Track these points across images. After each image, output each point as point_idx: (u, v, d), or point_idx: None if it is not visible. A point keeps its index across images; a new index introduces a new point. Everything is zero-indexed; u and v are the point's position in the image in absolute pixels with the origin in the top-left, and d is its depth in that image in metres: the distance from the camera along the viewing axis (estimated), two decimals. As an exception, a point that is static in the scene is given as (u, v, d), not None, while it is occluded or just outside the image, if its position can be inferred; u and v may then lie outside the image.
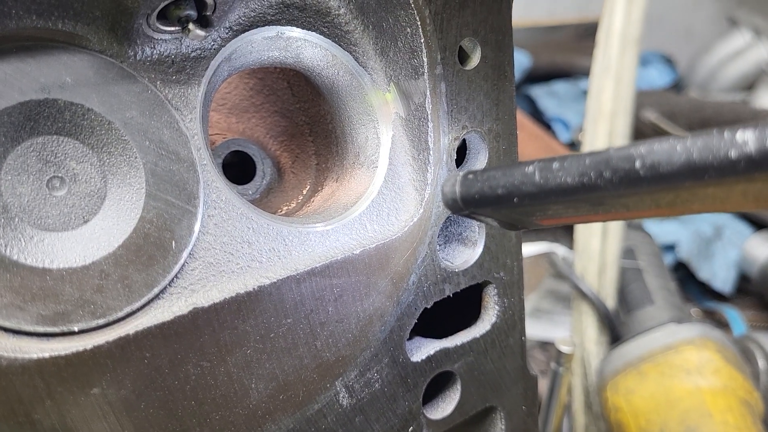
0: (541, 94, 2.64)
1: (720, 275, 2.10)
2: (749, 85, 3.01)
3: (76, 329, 0.42)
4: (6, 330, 0.40)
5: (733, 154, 0.33)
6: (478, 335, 0.63)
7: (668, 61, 3.11)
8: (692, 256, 2.08)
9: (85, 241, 0.43)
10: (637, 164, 0.36)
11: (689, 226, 2.16)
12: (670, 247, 2.10)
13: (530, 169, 0.40)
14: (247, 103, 0.66)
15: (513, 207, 0.42)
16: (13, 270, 0.41)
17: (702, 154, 0.34)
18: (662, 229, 2.12)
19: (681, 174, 0.34)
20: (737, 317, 1.97)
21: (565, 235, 1.99)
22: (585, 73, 2.65)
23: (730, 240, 2.16)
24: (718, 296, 2.15)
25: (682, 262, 2.09)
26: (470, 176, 0.43)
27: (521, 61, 2.58)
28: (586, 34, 2.92)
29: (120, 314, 0.43)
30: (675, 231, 2.13)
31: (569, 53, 2.81)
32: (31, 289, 0.41)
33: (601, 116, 1.43)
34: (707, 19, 3.32)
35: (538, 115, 2.62)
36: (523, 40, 2.71)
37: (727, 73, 3.02)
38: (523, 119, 2.37)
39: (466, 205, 0.43)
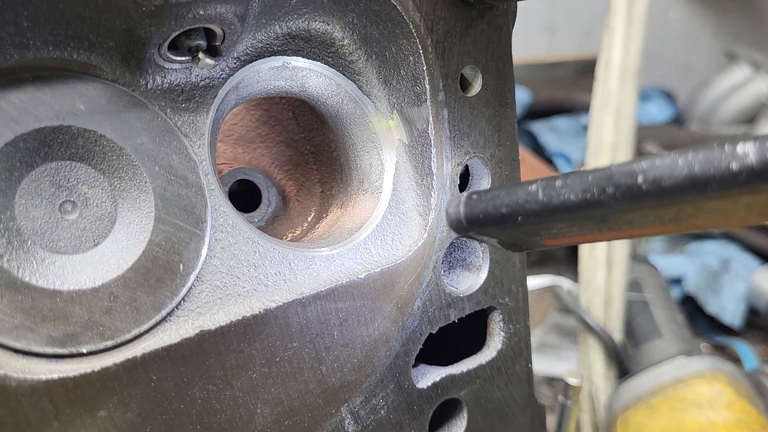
0: (542, 129, 2.67)
1: (729, 309, 2.08)
2: (750, 118, 3.03)
3: (84, 351, 0.42)
4: (16, 351, 0.40)
5: (734, 166, 0.33)
6: (484, 362, 0.63)
7: (668, 96, 3.14)
8: (699, 289, 2.07)
9: (95, 263, 0.44)
10: (640, 179, 0.36)
11: (695, 259, 2.16)
12: (676, 281, 2.10)
13: (533, 187, 0.41)
14: (253, 133, 0.67)
15: (517, 226, 0.42)
16: (24, 291, 0.41)
17: (703, 167, 0.34)
18: (668, 263, 2.12)
19: (683, 187, 0.35)
20: (748, 351, 1.96)
21: (570, 268, 1.98)
22: (585, 108, 2.67)
23: (738, 273, 2.15)
24: (728, 330, 2.13)
25: (690, 295, 2.08)
26: (474, 196, 0.44)
27: (522, 97, 2.61)
28: (584, 70, 2.95)
29: (128, 336, 0.44)
30: (681, 264, 2.13)
31: (569, 89, 2.84)
32: (41, 310, 0.41)
33: (603, 149, 1.44)
34: (706, 54, 3.36)
35: (539, 151, 2.64)
36: (524, 77, 2.74)
37: (727, 107, 3.05)
38: (525, 154, 2.39)
39: (471, 225, 0.44)
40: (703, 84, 3.18)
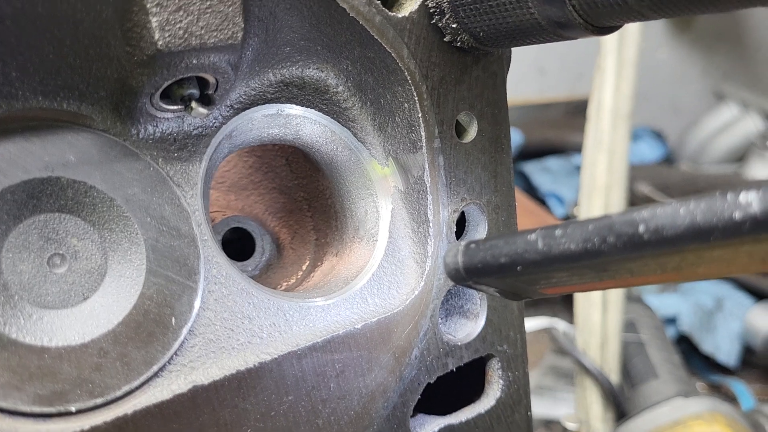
0: (534, 170, 2.68)
1: (724, 348, 2.07)
2: (739, 157, 3.06)
3: (73, 409, 0.41)
4: (2, 410, 0.39)
5: (737, 215, 0.33)
6: (483, 411, 0.62)
7: (658, 136, 3.17)
8: (694, 329, 2.06)
9: (84, 318, 0.43)
10: (641, 228, 0.36)
11: (689, 298, 2.15)
12: (671, 320, 2.09)
13: (533, 237, 0.40)
14: (246, 180, 0.67)
15: (516, 276, 0.42)
16: (11, 349, 0.40)
17: (706, 216, 0.34)
18: (662, 302, 2.11)
19: (685, 237, 0.34)
20: (745, 391, 1.94)
21: (565, 309, 1.97)
22: (576, 149, 2.69)
23: (732, 312, 2.15)
24: (723, 369, 2.11)
25: (684, 335, 2.07)
26: (472, 246, 0.43)
27: (514, 138, 2.63)
28: (576, 111, 2.98)
29: (118, 393, 0.42)
30: (675, 304, 2.12)
31: (560, 130, 2.86)
32: (28, 368, 0.40)
33: (596, 190, 1.44)
34: (694, 94, 3.40)
35: (532, 191, 2.65)
36: (516, 118, 2.76)
37: (716, 146, 3.07)
38: (518, 195, 2.39)
39: (469, 275, 0.43)
40: (692, 123, 3.21)
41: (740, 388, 1.99)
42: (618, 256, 0.37)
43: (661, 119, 3.26)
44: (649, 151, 3.01)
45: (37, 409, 0.40)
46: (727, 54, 3.45)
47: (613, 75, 1.44)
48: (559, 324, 1.60)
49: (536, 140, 2.74)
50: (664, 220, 0.35)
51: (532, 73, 2.96)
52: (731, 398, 1.95)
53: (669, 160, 3.13)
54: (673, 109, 3.37)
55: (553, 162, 2.74)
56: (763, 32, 3.43)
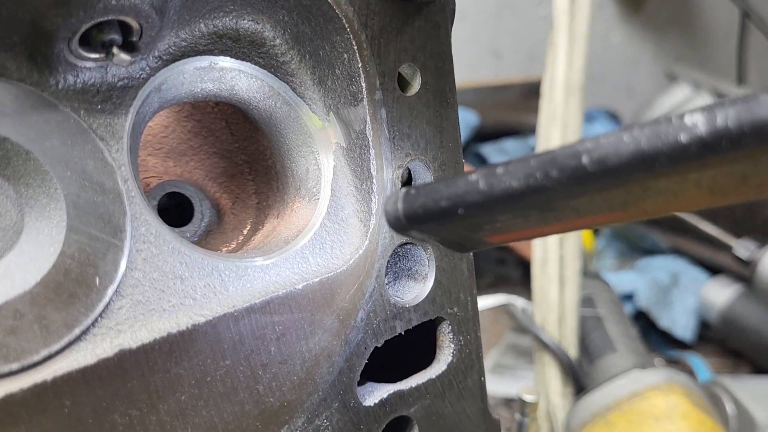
0: (491, 151, 2.67)
1: (680, 323, 2.09)
2: (692, 137, 3.09)
3: (-16, 375, 0.38)
4: None
5: (683, 138, 0.31)
6: (434, 376, 0.60)
7: (613, 117, 3.19)
8: (651, 304, 2.08)
9: None
10: (584, 159, 0.34)
11: (646, 275, 2.17)
12: (628, 297, 2.10)
13: (474, 177, 0.38)
14: (185, 146, 0.64)
15: (459, 220, 0.40)
16: None
17: (651, 141, 0.32)
18: (620, 279, 2.12)
19: (630, 165, 0.33)
20: (701, 364, 1.96)
21: (524, 288, 1.97)
22: (532, 130, 2.68)
23: (687, 287, 2.17)
24: (680, 344, 2.14)
25: (642, 311, 2.09)
26: (413, 191, 0.41)
27: (470, 119, 2.62)
28: (530, 92, 2.98)
29: (36, 358, 0.39)
30: (632, 280, 2.14)
31: (516, 112, 2.86)
32: (-68, 331, 0.37)
33: (551, 165, 1.43)
34: (647, 75, 3.43)
35: (490, 173, 2.64)
36: (471, 100, 2.75)
37: (670, 127, 3.10)
38: (475, 177, 2.38)
39: (410, 222, 0.41)
40: (646, 104, 3.24)
41: (697, 361, 2.01)
42: (562, 191, 0.35)
43: (615, 100, 3.28)
44: (604, 132, 3.04)
45: (-57, 375, 0.37)
46: (679, 36, 3.49)
47: (564, 50, 1.43)
48: (518, 301, 1.59)
49: (492, 122, 2.73)
50: (608, 149, 0.33)
51: (487, 56, 2.96)
52: (689, 372, 1.97)
53: (624, 141, 3.16)
54: (627, 90, 3.39)
55: (509, 143, 2.74)
56: (713, 14, 3.48)
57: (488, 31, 2.91)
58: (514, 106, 2.90)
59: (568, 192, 0.35)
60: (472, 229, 0.41)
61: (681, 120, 0.31)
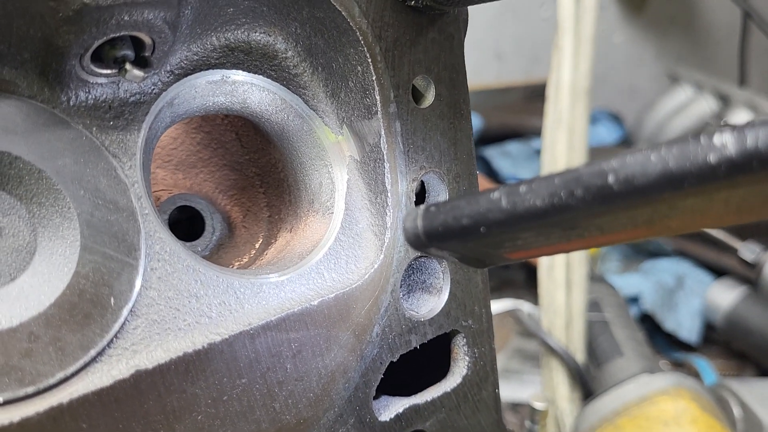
0: (494, 154, 2.66)
1: (685, 325, 2.09)
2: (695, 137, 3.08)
3: (0, 400, 0.37)
4: None
5: (712, 158, 0.30)
6: (449, 389, 0.59)
7: (616, 119, 3.19)
8: (656, 307, 2.07)
9: (11, 300, 0.39)
10: (610, 179, 0.33)
11: (651, 278, 2.16)
12: (633, 300, 2.09)
13: (496, 195, 0.37)
14: (195, 158, 0.63)
15: (480, 238, 0.39)
16: (-74, 335, 0.36)
17: (679, 162, 0.31)
18: (625, 282, 2.11)
19: (657, 185, 0.32)
20: (707, 366, 1.95)
21: (529, 292, 1.96)
22: (536, 132, 2.68)
23: (692, 289, 2.16)
24: (686, 347, 2.13)
25: (647, 314, 2.08)
26: (432, 209, 0.40)
27: (474, 122, 2.61)
28: (533, 95, 2.97)
29: (52, 381, 0.39)
30: (637, 283, 2.13)
31: (519, 114, 2.85)
32: (-52, 355, 0.36)
33: (557, 169, 1.43)
34: (649, 76, 3.42)
35: (493, 175, 2.64)
36: (474, 103, 2.74)
37: (672, 128, 3.10)
38: (480, 179, 2.38)
39: (430, 239, 0.40)
40: (648, 105, 3.23)
41: (702, 364, 2.00)
42: (587, 210, 0.35)
43: (617, 102, 3.28)
44: (607, 134, 3.03)
45: (-41, 401, 0.36)
46: (681, 37, 3.49)
47: (570, 53, 1.43)
48: (524, 306, 1.59)
49: (495, 125, 2.72)
50: (635, 169, 0.33)
51: (490, 59, 2.95)
52: (694, 374, 1.97)
53: (627, 142, 3.15)
54: (630, 91, 3.39)
55: (512, 146, 2.74)
56: (714, 15, 3.47)
57: (491, 34, 2.91)
58: (517, 109, 2.90)
59: (592, 211, 0.35)
60: (492, 246, 0.41)
61: (710, 140, 0.31)
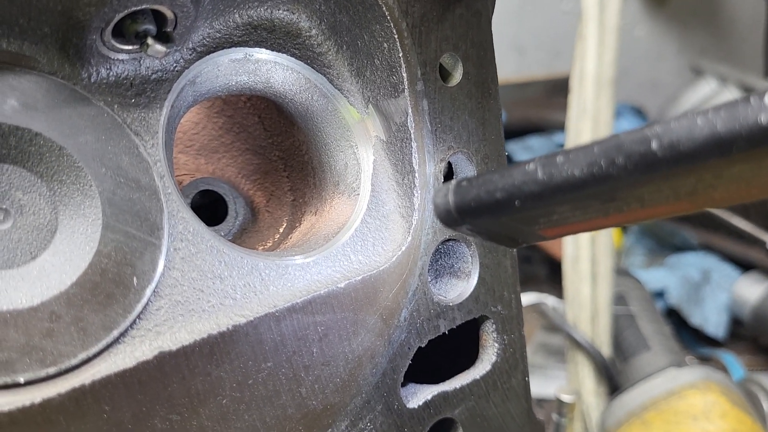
0: (516, 149, 2.64)
1: (712, 320, 2.05)
2: (720, 131, 3.03)
3: (21, 380, 0.36)
4: (-63, 382, 0.34)
5: (763, 119, 0.29)
6: (478, 376, 0.58)
7: (638, 112, 3.15)
8: (682, 302, 2.04)
9: (32, 279, 0.38)
10: (654, 145, 0.32)
11: (676, 272, 2.13)
12: (659, 294, 2.06)
13: (531, 166, 0.36)
14: (217, 143, 0.62)
15: (514, 213, 0.37)
16: (-54, 313, 0.35)
17: (727, 124, 0.30)
18: (650, 276, 2.08)
19: (705, 150, 0.30)
20: (734, 361, 1.92)
21: (552, 286, 1.94)
22: (557, 126, 2.65)
23: (719, 283, 2.13)
24: (712, 342, 2.10)
25: (673, 308, 2.05)
26: (464, 183, 0.39)
27: (494, 117, 2.59)
28: (554, 89, 2.94)
29: (74, 361, 0.38)
30: (663, 277, 2.10)
31: (540, 108, 2.83)
32: (-32, 334, 0.35)
33: (582, 160, 1.40)
34: (672, 69, 3.38)
35: (515, 171, 2.61)
36: (495, 98, 2.72)
37: (697, 121, 3.05)
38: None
39: (462, 215, 0.39)
40: (671, 99, 3.19)
41: (730, 359, 1.97)
42: (628, 179, 0.33)
43: (640, 95, 3.24)
44: (630, 127, 2.99)
45: (-21, 381, 0.35)
46: (704, 29, 3.44)
47: (594, 43, 1.40)
48: (549, 299, 1.57)
49: (516, 119, 2.70)
50: (680, 133, 0.31)
51: (510, 53, 2.92)
52: (722, 370, 1.93)
53: (650, 136, 3.11)
54: (652, 85, 3.35)
55: (534, 140, 2.71)
56: (738, 6, 3.42)
57: (511, 28, 2.88)
58: (538, 103, 2.87)
59: (634, 180, 0.33)
60: (527, 222, 0.39)
61: (761, 100, 0.29)
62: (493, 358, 0.58)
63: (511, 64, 2.95)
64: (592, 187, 0.34)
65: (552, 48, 3.02)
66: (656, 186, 0.34)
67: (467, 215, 0.39)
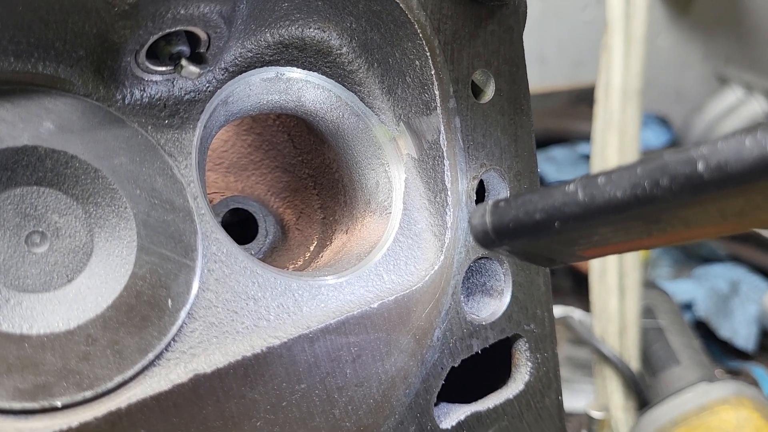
0: (539, 160, 2.63)
1: (741, 333, 2.02)
2: (746, 140, 3.00)
3: (59, 404, 0.36)
4: (-24, 407, 0.34)
5: None
6: (511, 396, 0.57)
7: (663, 122, 3.12)
8: (710, 314, 2.01)
9: (69, 302, 0.38)
10: (700, 166, 0.31)
11: (704, 284, 2.10)
12: (686, 306, 2.03)
13: (572, 187, 0.35)
14: (246, 160, 0.62)
15: (554, 235, 0.37)
16: (-15, 338, 0.35)
17: (779, 145, 0.29)
18: (677, 288, 2.06)
19: (754, 172, 0.30)
20: (765, 375, 1.89)
21: (577, 299, 1.92)
22: (580, 137, 2.64)
23: (748, 295, 2.09)
24: (742, 355, 2.06)
25: (701, 321, 2.02)
26: (502, 204, 0.38)
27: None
28: (577, 99, 2.93)
29: (110, 385, 0.38)
30: (690, 289, 2.07)
31: (563, 119, 2.81)
32: (6, 359, 0.35)
33: (608, 172, 1.39)
34: (697, 78, 3.35)
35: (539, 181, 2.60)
36: (518, 109, 2.71)
37: (722, 130, 3.02)
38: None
39: (499, 236, 0.38)
40: (696, 108, 3.16)
41: (761, 372, 1.94)
42: (673, 201, 0.32)
43: (664, 105, 3.21)
44: (654, 138, 2.96)
45: (17, 405, 0.35)
46: (728, 37, 3.40)
47: (620, 53, 1.39)
48: (575, 312, 1.55)
49: (539, 130, 2.69)
50: (728, 154, 0.30)
51: (533, 63, 2.91)
52: (752, 383, 1.90)
53: (675, 145, 3.08)
54: (677, 94, 3.32)
55: (557, 151, 2.69)
56: (763, 14, 3.38)
57: (532, 37, 2.87)
58: (561, 113, 2.86)
59: (679, 202, 0.32)
60: (566, 243, 0.38)
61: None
62: (527, 378, 0.58)
63: (534, 74, 2.93)
64: (636, 209, 0.33)
65: (574, 57, 3.01)
66: (702, 208, 0.33)
67: (505, 236, 0.38)
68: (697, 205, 0.33)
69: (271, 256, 0.59)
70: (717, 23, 3.37)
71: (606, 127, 1.40)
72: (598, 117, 1.42)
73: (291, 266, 0.57)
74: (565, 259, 0.41)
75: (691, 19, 3.33)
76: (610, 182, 0.34)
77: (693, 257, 2.34)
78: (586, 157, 2.42)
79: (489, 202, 0.38)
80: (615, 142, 1.38)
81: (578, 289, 1.96)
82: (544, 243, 0.39)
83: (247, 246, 0.59)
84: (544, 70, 2.97)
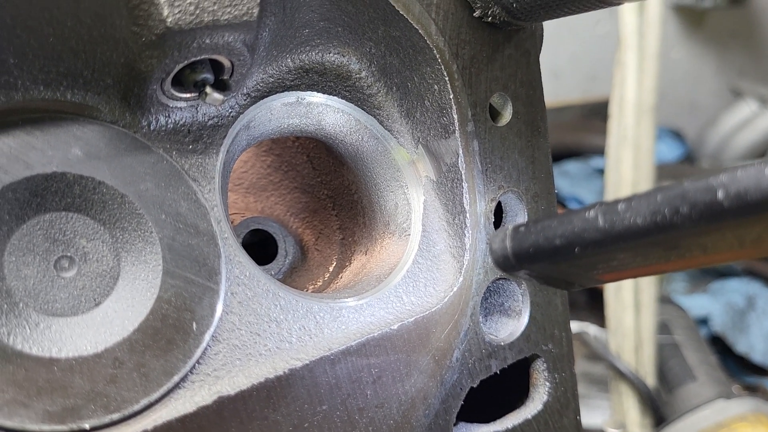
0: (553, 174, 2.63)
1: (758, 348, 2.01)
2: (761, 153, 2.99)
3: (87, 426, 0.37)
4: (8, 430, 0.35)
5: None
6: (530, 416, 0.57)
7: (677, 135, 3.11)
8: (727, 329, 2.00)
9: (96, 326, 0.39)
10: (720, 195, 0.31)
11: (720, 298, 2.09)
12: (702, 321, 2.02)
13: (592, 213, 0.36)
14: (265, 181, 0.63)
15: (573, 260, 0.37)
16: (16, 361, 0.36)
17: (798, 174, 0.29)
18: (693, 303, 2.05)
19: None
20: (783, 391, 1.87)
21: (592, 314, 1.92)
22: (594, 151, 2.64)
23: (764, 310, 2.08)
24: (759, 370, 2.05)
25: (717, 336, 2.01)
26: (522, 229, 0.39)
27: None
28: (591, 113, 2.93)
29: (136, 407, 0.38)
30: (706, 304, 2.06)
31: (577, 133, 2.81)
32: (36, 382, 0.36)
33: (623, 187, 1.39)
34: (711, 91, 3.34)
35: (552, 196, 2.60)
36: (531, 123, 2.71)
37: (737, 143, 3.01)
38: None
39: (519, 261, 0.39)
40: (710, 121, 3.15)
41: (778, 388, 1.92)
42: (693, 229, 0.33)
43: (678, 119, 3.20)
44: (668, 151, 2.96)
45: (47, 428, 0.36)
46: (742, 50, 3.40)
47: (634, 69, 1.40)
48: (590, 328, 1.55)
49: (553, 144, 2.69)
50: (747, 183, 0.31)
51: (547, 77, 2.91)
52: (769, 399, 1.88)
53: (689, 159, 3.08)
54: (690, 108, 3.31)
55: (571, 165, 2.70)
56: (777, 26, 3.38)
57: (546, 52, 2.87)
58: (575, 127, 2.86)
59: (699, 230, 0.33)
60: (585, 267, 0.39)
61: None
62: (545, 398, 0.58)
63: (547, 89, 2.94)
64: (655, 236, 0.34)
65: (588, 72, 3.01)
66: (721, 234, 0.33)
67: (525, 261, 0.39)
68: (715, 232, 0.33)
69: (290, 277, 0.59)
70: (730, 36, 3.36)
71: (620, 142, 1.40)
72: (612, 132, 1.42)
73: (311, 287, 0.58)
74: (584, 283, 0.42)
75: (705, 32, 3.33)
76: (630, 209, 0.34)
77: (709, 272, 2.33)
78: (600, 171, 2.42)
79: (509, 226, 0.39)
80: (630, 157, 1.38)
81: (593, 305, 1.96)
82: (563, 267, 0.39)
83: (266, 267, 0.59)
84: (558, 84, 2.97)
